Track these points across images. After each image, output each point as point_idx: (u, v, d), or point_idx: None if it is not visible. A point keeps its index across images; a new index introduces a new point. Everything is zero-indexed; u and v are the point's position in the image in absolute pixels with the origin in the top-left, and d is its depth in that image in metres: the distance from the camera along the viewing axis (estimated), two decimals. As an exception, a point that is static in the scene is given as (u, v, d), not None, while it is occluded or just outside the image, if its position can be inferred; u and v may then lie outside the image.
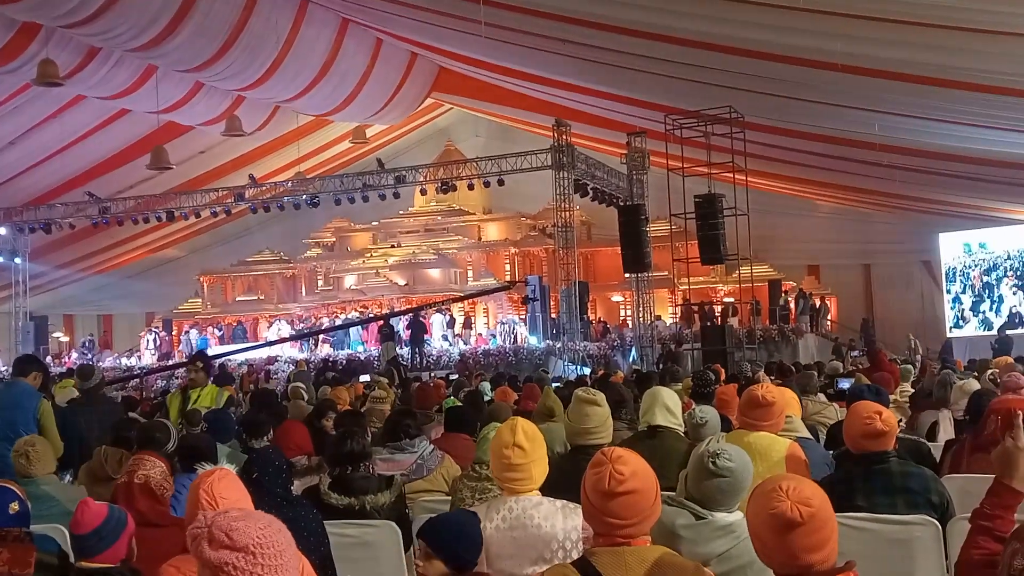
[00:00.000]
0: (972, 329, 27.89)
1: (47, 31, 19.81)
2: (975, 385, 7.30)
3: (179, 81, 23.42)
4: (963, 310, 28.28)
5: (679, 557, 2.93)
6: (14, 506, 4.43)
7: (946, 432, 6.94)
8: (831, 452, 5.51)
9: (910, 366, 12.50)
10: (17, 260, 30.79)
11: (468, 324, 30.20)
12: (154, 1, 18.30)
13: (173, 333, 35.22)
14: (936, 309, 30.32)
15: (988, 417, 4.89)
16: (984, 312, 27.93)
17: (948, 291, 28.84)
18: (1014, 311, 27.31)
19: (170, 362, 30.07)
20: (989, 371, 9.86)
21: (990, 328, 26.94)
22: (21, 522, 4.46)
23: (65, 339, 37.14)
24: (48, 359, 28.82)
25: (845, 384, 9.25)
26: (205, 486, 3.03)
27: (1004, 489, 3.01)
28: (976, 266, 28.23)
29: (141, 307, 39.01)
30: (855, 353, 17.29)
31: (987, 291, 28.12)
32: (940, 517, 4.13)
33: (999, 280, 27.90)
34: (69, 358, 31.82)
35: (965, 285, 28.44)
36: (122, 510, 3.62)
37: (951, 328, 28.55)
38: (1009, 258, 27.70)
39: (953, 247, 28.70)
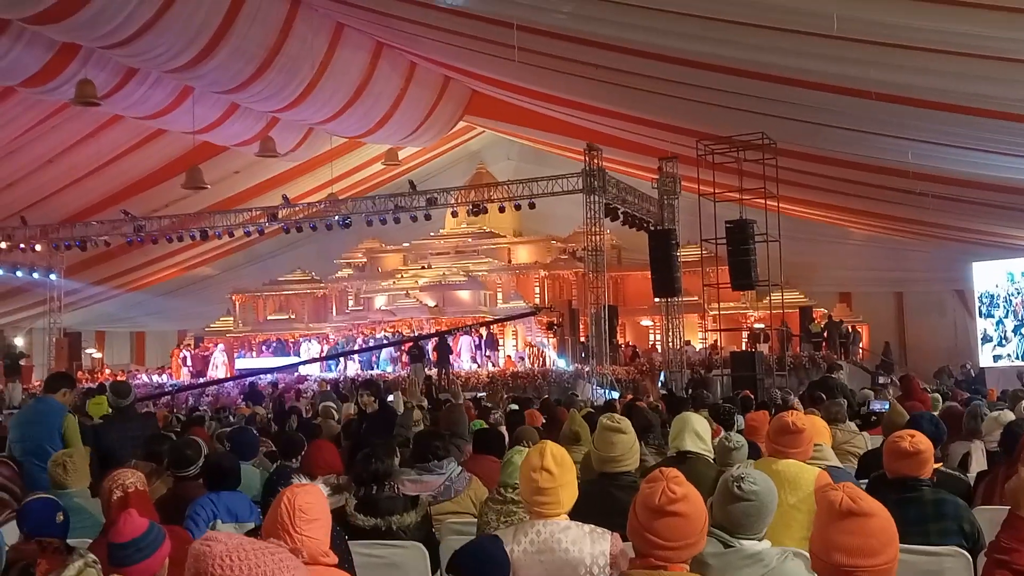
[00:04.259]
0: (1013, 348, 27.77)
1: (86, 52, 20.11)
2: (1010, 416, 7.23)
3: (215, 102, 23.67)
4: (1006, 331, 28.17)
5: None
6: (60, 516, 4.52)
7: (978, 463, 6.87)
8: (863, 481, 5.48)
9: (939, 395, 12.39)
10: (52, 277, 31.15)
11: (494, 344, 30.11)
12: (192, 23, 18.49)
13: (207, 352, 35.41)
14: (969, 338, 30.02)
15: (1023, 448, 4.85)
16: (1024, 334, 27.90)
17: (990, 315, 28.65)
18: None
19: (200, 380, 30.35)
20: (1023, 401, 9.76)
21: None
22: (63, 532, 4.55)
23: (98, 355, 37.47)
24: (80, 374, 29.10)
25: (877, 406, 9.15)
26: (288, 496, 3.08)
27: (1020, 521, 2.99)
28: (1019, 293, 28.13)
29: (173, 325, 39.35)
30: (881, 379, 17.12)
31: (1028, 318, 28.06)
32: (972, 546, 4.10)
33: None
34: (103, 374, 32.12)
35: (1008, 310, 28.34)
36: (161, 528, 3.66)
37: (984, 349, 28.43)
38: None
39: (995, 275, 28.53)
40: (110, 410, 9.10)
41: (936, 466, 5.38)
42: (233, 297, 37.39)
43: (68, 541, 4.61)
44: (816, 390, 12.28)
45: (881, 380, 16.83)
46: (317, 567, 3.02)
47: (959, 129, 16.95)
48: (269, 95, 22.37)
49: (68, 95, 20.96)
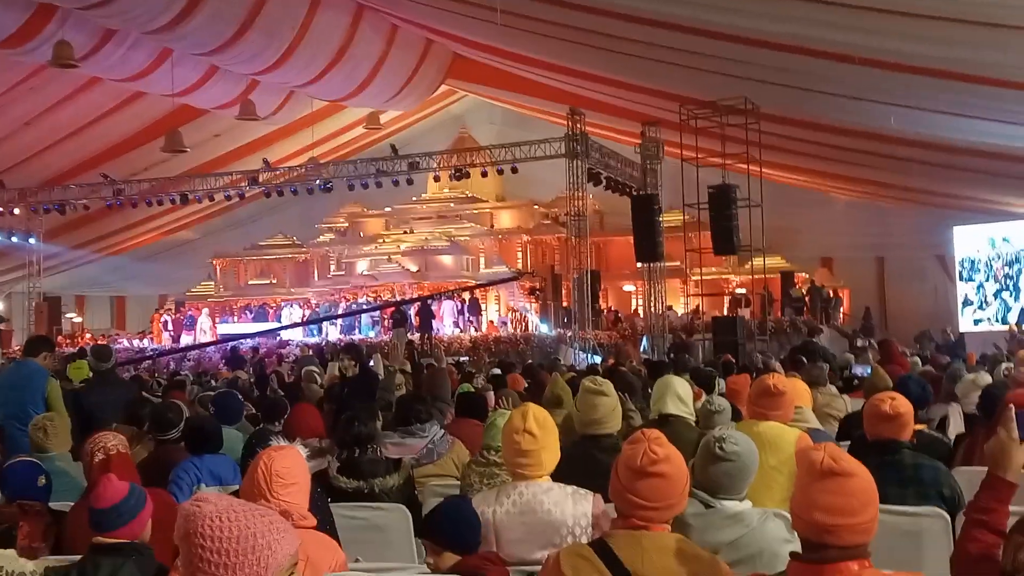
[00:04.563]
0: (993, 312, 28.05)
1: (63, 12, 19.83)
2: (987, 379, 7.28)
3: (194, 64, 23.44)
4: (986, 295, 28.44)
5: (695, 546, 2.95)
6: (42, 479, 4.52)
7: (956, 426, 6.92)
8: (844, 443, 5.52)
9: (918, 359, 12.48)
10: (32, 240, 30.94)
11: (477, 309, 30.10)
12: (171, -17, 18.34)
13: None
14: (949, 303, 30.23)
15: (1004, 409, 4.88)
16: (1004, 299, 28.10)
17: (971, 279, 28.88)
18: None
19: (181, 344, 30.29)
20: (1004, 365, 9.83)
21: (1008, 311, 27.19)
22: (45, 495, 4.55)
23: (78, 320, 37.30)
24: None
25: (859, 370, 9.20)
26: (265, 460, 3.06)
27: (998, 482, 3.01)
28: (1000, 258, 28.35)
29: (154, 289, 39.17)
30: (859, 342, 17.19)
31: (1008, 282, 28.25)
32: (950, 510, 4.14)
33: (1020, 273, 27.99)
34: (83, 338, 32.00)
35: (988, 275, 28.59)
36: (143, 490, 3.66)
37: (965, 313, 28.72)
38: (1032, 251, 27.85)
39: (975, 240, 28.71)
40: (91, 374, 9.06)
41: (920, 427, 5.44)
42: (214, 262, 37.24)
43: (50, 504, 4.61)
44: (798, 354, 12.34)
45: (859, 343, 16.92)
46: (297, 530, 3.02)
47: (942, 94, 16.97)
48: (249, 57, 22.17)
49: (45, 57, 20.67)
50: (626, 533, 2.89)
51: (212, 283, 37.06)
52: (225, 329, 32.48)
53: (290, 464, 3.13)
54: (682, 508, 3.01)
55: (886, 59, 15.59)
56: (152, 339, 33.04)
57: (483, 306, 31.19)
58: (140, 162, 29.54)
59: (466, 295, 29.84)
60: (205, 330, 32.37)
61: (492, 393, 8.26)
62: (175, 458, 5.62)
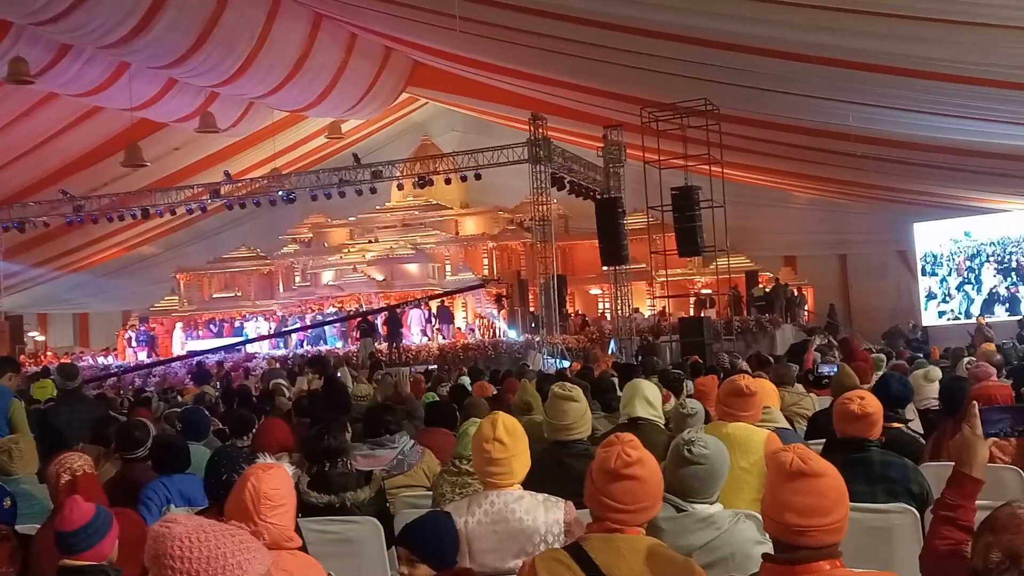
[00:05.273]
0: (956, 304, 28.40)
1: (17, 28, 19.65)
2: (937, 374, 7.34)
3: (152, 78, 23.26)
4: (950, 288, 28.81)
5: (669, 549, 2.96)
6: (7, 501, 4.45)
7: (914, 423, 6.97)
8: (813, 442, 5.55)
9: (882, 355, 12.56)
10: (-10, 259, 30.53)
11: (449, 316, 29.99)
12: (126, -4, 18.20)
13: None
14: (912, 298, 30.56)
15: (969, 404, 4.92)
16: (967, 291, 28.49)
17: (934, 274, 29.24)
18: (994, 291, 27.87)
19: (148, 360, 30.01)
20: (966, 359, 9.92)
21: (971, 303, 27.48)
22: (11, 518, 4.48)
23: (41, 338, 36.85)
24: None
25: (826, 369, 9.25)
26: (253, 482, 3.02)
27: (964, 478, 3.04)
28: (961, 253, 28.73)
29: (117, 305, 38.74)
30: (818, 340, 17.15)
31: (970, 274, 28.65)
32: (919, 507, 4.17)
33: (981, 265, 28.38)
34: (45, 357, 31.62)
35: (951, 269, 28.96)
36: (108, 510, 3.62)
37: (929, 306, 29.05)
38: (992, 244, 28.17)
39: (937, 235, 29.09)
40: (55, 393, 8.96)
41: (898, 426, 5.48)
42: (177, 276, 36.89)
43: (16, 528, 4.54)
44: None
45: (818, 341, 16.90)
46: (280, 551, 2.99)
47: (898, 91, 17.16)
48: (207, 69, 22.03)
49: (0, 73, 20.46)
50: (601, 536, 2.90)
51: (176, 298, 36.73)
52: (192, 346, 32.18)
53: (278, 485, 3.08)
54: (657, 511, 3.03)
55: (843, 58, 15.75)
56: (117, 356, 32.67)
57: (451, 312, 31.12)
58: (100, 177, 29.25)
59: (433, 304, 29.77)
60: (184, 345, 32.07)
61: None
62: (142, 477, 5.56)
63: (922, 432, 6.43)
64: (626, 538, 2.89)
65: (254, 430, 6.77)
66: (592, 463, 3.02)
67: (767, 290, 28.99)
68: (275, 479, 3.07)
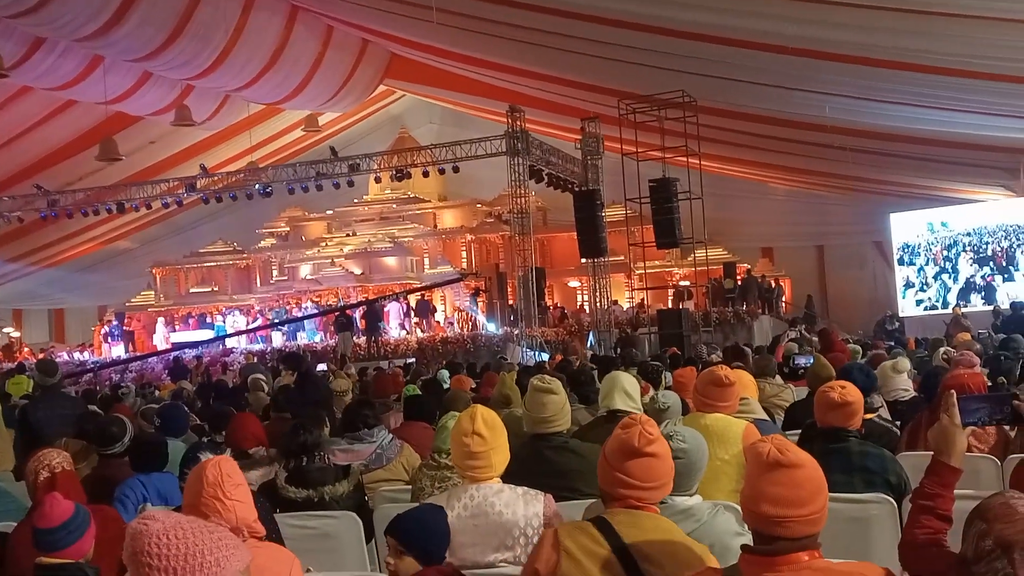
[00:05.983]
0: (934, 293, 28.59)
1: (-10, 22, 19.47)
2: (906, 364, 7.38)
3: (127, 71, 23.09)
4: (927, 278, 29.00)
5: (687, 536, 3.03)
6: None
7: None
8: (790, 432, 5.56)
9: (859, 347, 12.62)
10: (-36, 255, 30.28)
11: (430, 309, 29.90)
12: (100, -11, 18.06)
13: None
14: (889, 289, 30.72)
15: (943, 393, 4.95)
16: (944, 280, 28.69)
17: (912, 263, 29.40)
18: (970, 279, 28.09)
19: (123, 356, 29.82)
20: (942, 349, 9.98)
21: (947, 292, 27.69)
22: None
23: (16, 334, 36.56)
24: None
25: (802, 360, 9.29)
26: (212, 464, 3.00)
27: (943, 467, 3.04)
28: (938, 243, 28.90)
29: (93, 300, 38.48)
30: (792, 333, 17.13)
31: (947, 264, 28.84)
32: (897, 497, 4.18)
33: (958, 255, 28.58)
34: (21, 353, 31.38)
35: (928, 259, 29.15)
36: (87, 509, 3.59)
37: (907, 295, 29.20)
38: (968, 235, 28.36)
39: (914, 226, 29.23)
40: (31, 389, 8.87)
41: (870, 416, 5.50)
42: (154, 271, 36.67)
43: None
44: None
45: (791, 334, 16.95)
46: (253, 543, 2.98)
47: (875, 83, 17.25)
48: (182, 62, 21.89)
49: (-28, 67, 20.28)
50: (626, 511, 2.97)
51: (152, 292, 36.50)
52: (177, 337, 31.98)
53: (235, 466, 3.10)
54: (668, 491, 3.11)
55: (819, 49, 15.81)
56: (93, 352, 32.45)
57: (431, 304, 31.07)
58: (74, 172, 29.03)
59: (413, 297, 29.70)
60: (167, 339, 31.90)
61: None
62: (118, 473, 5.51)
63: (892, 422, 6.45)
64: (651, 516, 2.98)
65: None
66: (606, 446, 3.06)
67: (738, 280, 29.06)
68: (229, 461, 3.08)
